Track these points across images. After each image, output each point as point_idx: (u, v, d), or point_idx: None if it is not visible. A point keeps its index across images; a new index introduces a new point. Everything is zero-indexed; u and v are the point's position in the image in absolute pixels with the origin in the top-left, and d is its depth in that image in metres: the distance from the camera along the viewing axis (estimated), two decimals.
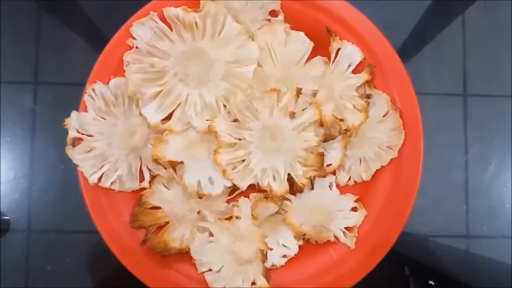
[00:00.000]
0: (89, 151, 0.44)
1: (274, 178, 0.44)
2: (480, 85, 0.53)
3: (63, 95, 0.52)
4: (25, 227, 0.51)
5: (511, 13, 0.54)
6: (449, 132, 0.53)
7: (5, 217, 0.50)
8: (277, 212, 0.45)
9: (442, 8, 0.54)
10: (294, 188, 0.44)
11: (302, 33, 0.45)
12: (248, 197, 0.45)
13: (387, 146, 0.45)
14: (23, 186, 0.51)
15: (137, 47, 0.44)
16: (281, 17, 0.45)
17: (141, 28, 0.43)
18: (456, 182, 0.52)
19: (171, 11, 0.43)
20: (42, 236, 0.51)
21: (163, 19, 0.43)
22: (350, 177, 0.46)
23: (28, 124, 0.51)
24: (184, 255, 0.44)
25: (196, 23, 0.43)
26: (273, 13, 0.45)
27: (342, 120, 0.45)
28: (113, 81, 0.44)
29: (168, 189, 0.45)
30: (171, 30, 0.43)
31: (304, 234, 0.45)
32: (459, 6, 0.55)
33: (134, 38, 0.43)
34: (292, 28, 0.45)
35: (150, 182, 0.45)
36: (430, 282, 0.50)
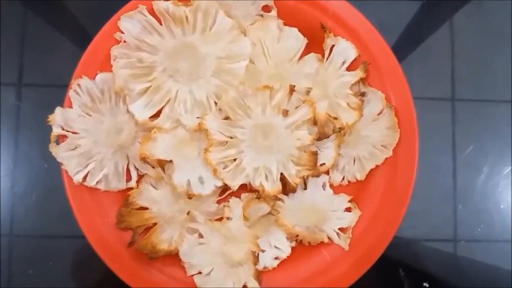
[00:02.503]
0: (73, 149, 0.42)
1: (266, 177, 0.43)
2: (469, 89, 0.53)
3: (49, 94, 0.50)
4: (7, 231, 0.49)
5: (502, 18, 0.54)
6: (437, 136, 0.52)
7: None
8: (269, 213, 0.44)
9: (430, 13, 0.54)
10: (287, 188, 0.43)
11: (295, 29, 0.44)
12: (240, 197, 0.44)
13: (382, 145, 0.44)
14: (5, 186, 0.49)
15: (125, 41, 0.42)
16: (274, 12, 0.44)
17: (130, 22, 0.42)
18: (445, 187, 0.52)
19: (160, 5, 0.41)
20: (25, 241, 0.49)
21: (152, 12, 0.42)
22: (344, 176, 0.45)
23: (11, 122, 0.50)
24: (173, 257, 0.42)
25: (186, 18, 0.42)
26: (266, 9, 0.44)
27: (336, 118, 0.44)
28: (99, 76, 0.42)
29: (156, 189, 0.44)
30: (161, 24, 0.42)
31: (297, 235, 0.44)
32: (448, 10, 0.55)
33: (122, 32, 0.42)
34: (285, 24, 0.44)
35: (138, 181, 0.44)
36: (425, 284, 0.49)
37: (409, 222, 0.50)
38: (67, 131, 0.42)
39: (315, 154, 0.43)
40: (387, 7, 0.53)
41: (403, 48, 0.53)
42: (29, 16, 0.52)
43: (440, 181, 0.52)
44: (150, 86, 0.42)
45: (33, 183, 0.49)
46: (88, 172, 0.42)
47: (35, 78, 0.51)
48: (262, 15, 0.44)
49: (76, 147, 0.42)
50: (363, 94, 0.44)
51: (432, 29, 0.54)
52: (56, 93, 0.47)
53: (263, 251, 0.43)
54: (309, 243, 0.44)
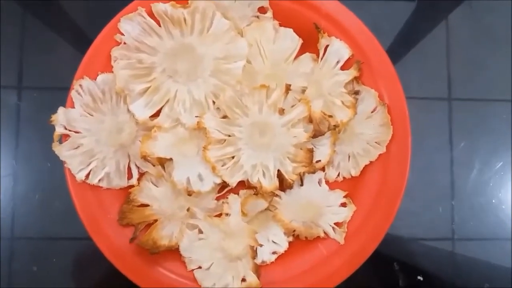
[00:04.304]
0: (76, 148, 0.43)
1: (264, 174, 0.44)
2: (465, 89, 0.54)
3: (49, 95, 0.51)
4: (9, 234, 0.49)
5: (497, 18, 0.55)
6: (434, 136, 0.53)
7: None
8: (267, 209, 0.45)
9: (425, 13, 0.55)
10: (283, 184, 0.44)
11: (290, 30, 0.45)
12: (238, 194, 0.45)
13: (376, 142, 0.45)
14: (7, 185, 0.50)
15: (125, 43, 0.43)
16: (269, 14, 0.45)
17: (129, 24, 0.43)
18: (441, 185, 0.53)
19: (159, 7, 0.43)
20: (26, 242, 0.50)
21: (151, 14, 0.43)
22: (339, 173, 0.46)
23: (12, 121, 0.51)
24: (173, 252, 0.43)
25: (184, 19, 0.43)
26: (262, 10, 0.45)
27: (331, 116, 0.45)
28: (100, 77, 0.43)
29: (157, 186, 0.45)
30: (160, 26, 0.43)
31: (294, 230, 0.45)
32: (443, 10, 0.56)
33: (122, 34, 0.43)
34: (281, 25, 0.45)
35: (139, 179, 0.45)
36: (419, 277, 0.50)
37: (405, 221, 0.51)
38: (70, 130, 0.43)
39: (311, 151, 0.44)
40: (383, 8, 0.54)
41: (399, 48, 0.54)
42: (27, 19, 0.52)
43: (437, 179, 0.53)
44: (150, 86, 0.43)
45: (36, 183, 0.50)
46: (90, 170, 0.43)
47: (35, 80, 0.51)
48: (258, 16, 0.46)
49: (78, 146, 0.43)
50: (357, 93, 0.46)
51: (427, 30, 0.55)
52: (56, 94, 0.48)
53: (261, 245, 0.44)
54: (306, 237, 0.45)
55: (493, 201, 0.53)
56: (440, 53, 0.54)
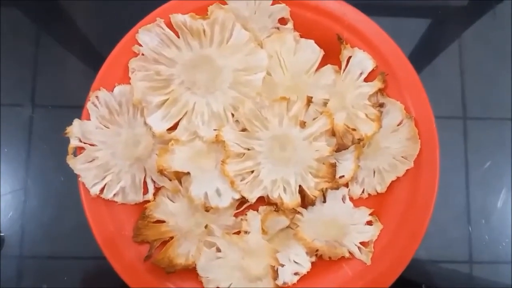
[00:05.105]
0: (91, 161, 0.42)
1: (284, 189, 0.42)
2: (480, 108, 0.52)
3: (62, 111, 0.50)
4: (18, 251, 0.48)
5: (511, 36, 0.54)
6: (449, 155, 0.51)
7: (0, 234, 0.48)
8: (288, 227, 0.43)
9: (439, 31, 0.54)
10: (305, 201, 0.42)
11: (312, 41, 0.44)
12: (257, 210, 0.43)
13: (402, 156, 0.43)
14: (19, 200, 0.49)
15: (143, 54, 0.42)
16: (290, 25, 0.44)
17: (147, 35, 0.42)
18: (457, 206, 0.50)
19: (178, 18, 0.42)
20: (35, 260, 0.48)
21: (170, 26, 0.42)
22: (364, 189, 0.44)
23: (25, 135, 0.50)
24: (190, 272, 0.42)
25: (204, 31, 0.42)
26: (282, 21, 0.45)
27: (354, 129, 0.43)
28: (117, 89, 0.42)
29: (173, 202, 0.43)
30: (178, 37, 0.43)
31: (317, 250, 0.43)
32: (457, 28, 0.54)
33: (140, 45, 0.42)
34: (301, 36, 0.44)
35: (154, 194, 0.43)
36: None
37: (422, 243, 0.48)
38: (85, 143, 0.42)
39: (333, 165, 0.42)
40: (397, 25, 0.53)
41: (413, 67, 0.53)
42: (41, 37, 0.52)
43: (453, 200, 0.51)
44: (168, 99, 0.42)
45: (48, 197, 0.49)
46: (105, 185, 0.42)
47: (47, 97, 0.51)
48: (278, 28, 0.45)
49: (93, 159, 0.42)
50: (381, 105, 0.44)
51: (440, 48, 0.54)
52: (68, 112, 0.47)
53: (282, 265, 0.42)
54: (330, 258, 0.43)
55: (508, 223, 0.50)
56: (454, 71, 0.53)
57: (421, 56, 0.53)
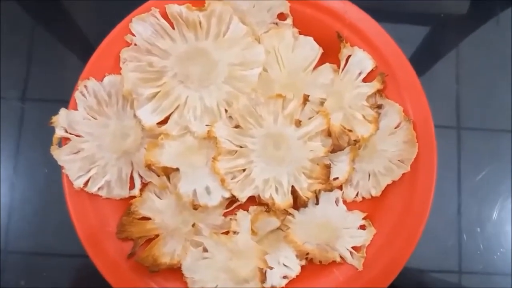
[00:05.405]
0: (76, 153, 0.40)
1: (276, 190, 0.41)
2: (474, 118, 0.52)
3: (54, 105, 0.48)
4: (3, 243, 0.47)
5: (511, 47, 0.53)
6: (442, 165, 0.49)
7: None
8: (279, 228, 0.42)
9: (436, 41, 0.53)
10: (297, 202, 0.41)
11: (311, 38, 0.43)
12: (248, 210, 0.41)
13: (399, 160, 0.42)
14: (4, 191, 0.47)
15: (135, 44, 0.41)
16: (289, 20, 0.43)
17: (141, 25, 0.41)
18: (449, 216, 0.49)
19: (174, 8, 0.41)
20: (19, 255, 0.46)
21: (165, 16, 0.41)
22: (358, 192, 0.43)
23: (15, 130, 0.48)
24: (175, 271, 0.40)
25: (200, 23, 0.41)
26: (282, 16, 0.43)
27: (351, 130, 0.42)
28: (107, 79, 0.41)
29: (160, 198, 0.41)
30: (173, 29, 0.41)
31: (307, 253, 0.41)
32: (454, 38, 0.54)
33: (133, 35, 0.41)
34: (300, 33, 0.43)
35: (141, 190, 0.42)
36: None
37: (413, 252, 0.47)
38: (71, 133, 0.40)
39: (328, 167, 0.41)
40: (395, 32, 0.52)
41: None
42: (36, 32, 0.51)
43: (445, 210, 0.49)
44: (159, 91, 0.41)
45: (33, 190, 0.47)
46: (90, 178, 0.40)
47: (39, 91, 0.50)
48: (277, 23, 0.43)
49: (79, 151, 0.40)
50: (379, 107, 0.43)
51: (437, 58, 0.53)
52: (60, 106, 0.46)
53: (271, 268, 0.40)
54: (320, 262, 0.42)
55: (500, 234, 0.49)
56: (450, 81, 0.52)
57: (417, 65, 0.51)
